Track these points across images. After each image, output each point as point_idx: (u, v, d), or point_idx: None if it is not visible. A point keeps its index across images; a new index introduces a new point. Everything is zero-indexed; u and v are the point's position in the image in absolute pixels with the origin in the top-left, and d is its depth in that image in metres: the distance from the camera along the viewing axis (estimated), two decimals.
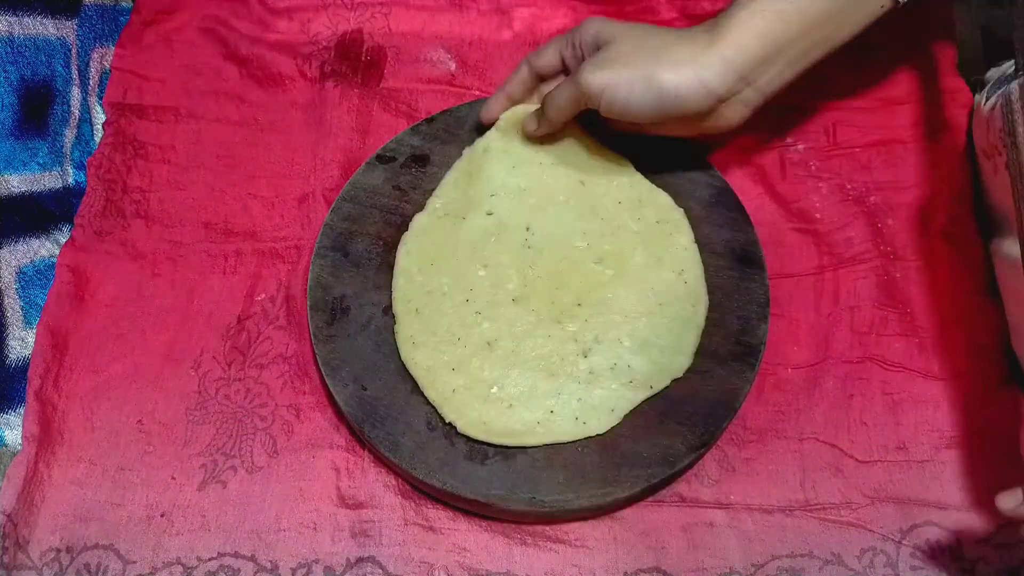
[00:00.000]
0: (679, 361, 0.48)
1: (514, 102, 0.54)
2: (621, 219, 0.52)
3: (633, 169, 0.54)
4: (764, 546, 0.46)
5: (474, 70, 0.63)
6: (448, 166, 0.55)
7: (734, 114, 0.47)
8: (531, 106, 0.55)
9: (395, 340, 0.49)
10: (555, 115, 0.50)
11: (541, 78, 0.53)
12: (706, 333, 0.49)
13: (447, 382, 0.47)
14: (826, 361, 0.51)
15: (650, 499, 0.48)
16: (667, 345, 0.48)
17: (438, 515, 0.48)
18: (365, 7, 0.64)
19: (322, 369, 0.48)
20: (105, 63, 0.62)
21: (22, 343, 0.51)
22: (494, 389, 0.47)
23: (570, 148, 0.55)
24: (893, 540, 0.46)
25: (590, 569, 0.46)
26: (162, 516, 0.47)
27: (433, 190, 0.54)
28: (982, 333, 0.51)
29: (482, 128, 0.56)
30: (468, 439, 0.46)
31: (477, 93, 0.62)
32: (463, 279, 0.51)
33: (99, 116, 0.61)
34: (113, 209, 0.57)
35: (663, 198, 0.53)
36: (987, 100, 0.51)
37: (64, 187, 0.56)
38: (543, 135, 0.52)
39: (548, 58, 0.51)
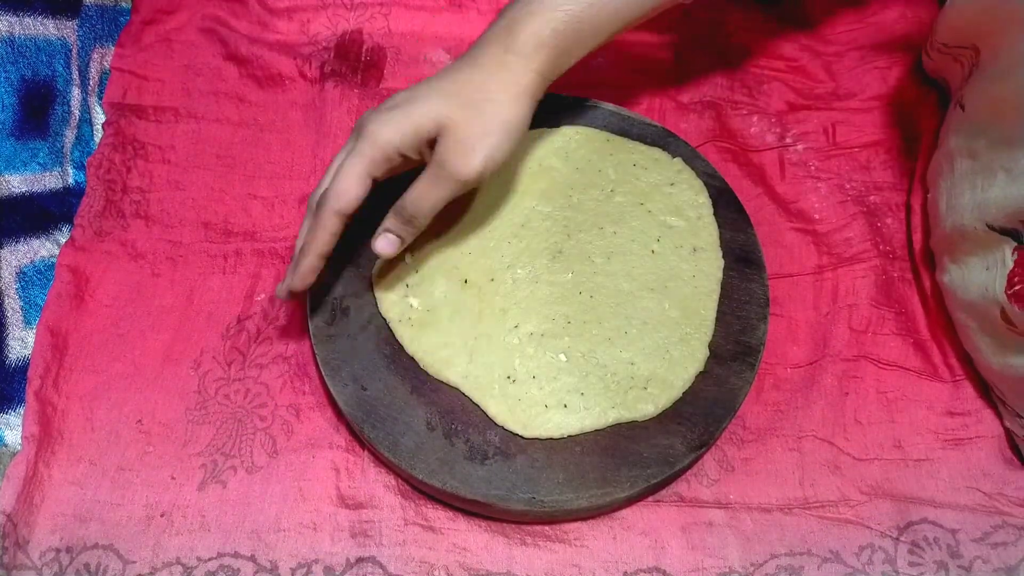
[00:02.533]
0: (690, 369, 0.48)
1: (327, 259, 0.46)
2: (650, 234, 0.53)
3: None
4: (763, 545, 0.47)
5: None
6: None
7: None
8: None
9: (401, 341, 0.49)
10: (423, 221, 0.45)
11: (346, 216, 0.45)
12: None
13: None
14: (824, 359, 0.52)
15: (650, 499, 0.48)
16: (679, 355, 0.48)
17: (438, 515, 0.48)
18: (365, 7, 0.64)
19: (322, 369, 0.48)
20: (105, 63, 0.62)
21: (22, 343, 0.51)
22: (512, 380, 0.48)
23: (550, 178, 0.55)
24: (891, 537, 0.46)
25: (590, 569, 0.46)
26: (162, 516, 0.47)
27: None
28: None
29: None
30: (467, 439, 0.46)
31: None
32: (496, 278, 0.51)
33: (99, 116, 0.61)
34: (113, 209, 0.57)
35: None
36: None
37: (64, 187, 0.56)
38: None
39: (356, 193, 0.43)
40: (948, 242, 0.50)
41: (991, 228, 0.45)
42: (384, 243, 0.45)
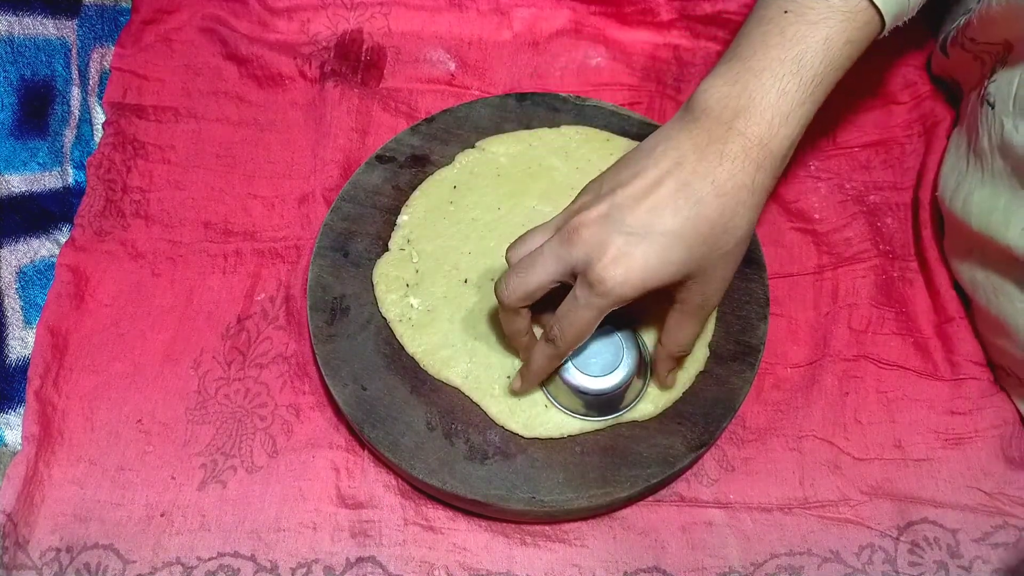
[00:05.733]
0: (690, 369, 0.48)
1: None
2: None
3: None
4: (763, 544, 0.47)
5: (474, 70, 0.63)
6: (448, 167, 0.55)
7: None
8: (507, 136, 0.55)
9: (402, 341, 0.49)
10: (687, 353, 0.45)
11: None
12: None
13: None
14: (824, 359, 0.52)
15: (650, 499, 0.48)
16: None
17: (438, 515, 0.48)
18: (365, 7, 0.64)
19: (322, 369, 0.48)
20: (105, 63, 0.62)
21: (22, 343, 0.51)
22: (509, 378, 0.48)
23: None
24: (891, 537, 0.46)
25: (590, 569, 0.46)
26: (162, 516, 0.47)
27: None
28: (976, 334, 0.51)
29: (481, 130, 0.57)
30: (467, 439, 0.46)
31: (477, 93, 0.62)
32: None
33: (99, 116, 0.61)
34: (113, 209, 0.57)
35: None
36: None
37: (64, 187, 0.56)
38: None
39: (586, 337, 0.42)
40: (978, 240, 0.49)
41: None
42: (672, 378, 0.46)
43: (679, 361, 0.46)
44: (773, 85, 0.39)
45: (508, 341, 0.46)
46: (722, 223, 0.38)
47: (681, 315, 0.42)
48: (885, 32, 0.42)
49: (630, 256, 0.38)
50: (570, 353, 0.43)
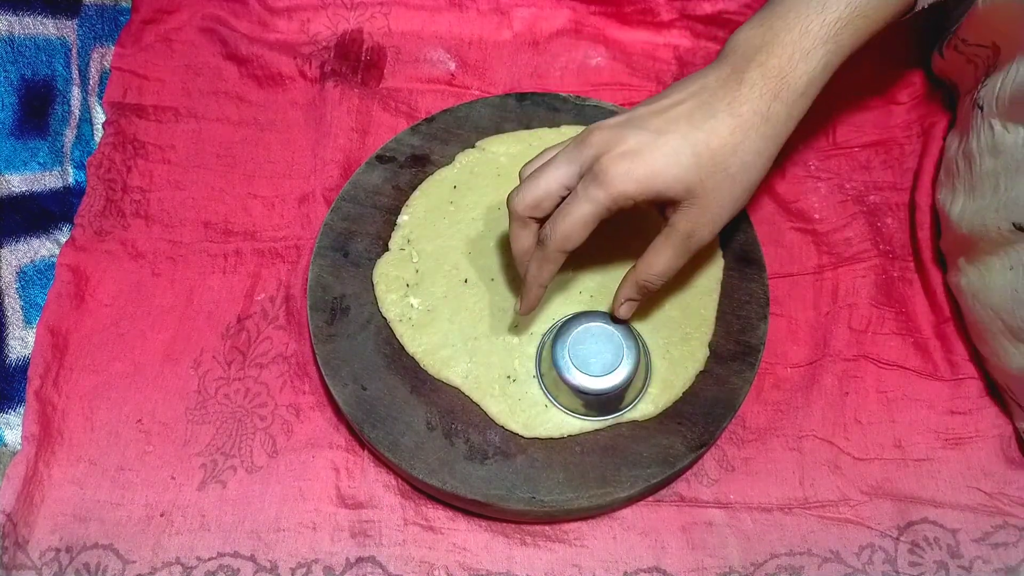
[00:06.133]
0: (690, 369, 0.48)
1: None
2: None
3: None
4: (763, 544, 0.47)
5: (474, 70, 0.63)
6: (448, 167, 0.55)
7: None
8: (507, 136, 0.55)
9: (403, 341, 0.49)
10: (659, 285, 0.44)
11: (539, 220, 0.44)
12: None
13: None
14: (824, 359, 0.52)
15: (650, 499, 0.48)
16: (679, 354, 0.48)
17: (438, 515, 0.48)
18: (365, 7, 0.64)
19: (322, 369, 0.48)
20: (105, 63, 0.62)
21: (22, 343, 0.51)
22: (512, 380, 0.48)
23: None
24: (891, 537, 0.46)
25: (590, 569, 0.46)
26: (162, 516, 0.47)
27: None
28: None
29: (481, 129, 0.57)
30: (467, 439, 0.46)
31: (477, 93, 0.62)
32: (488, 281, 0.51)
33: (99, 116, 0.61)
34: (113, 209, 0.57)
35: None
36: None
37: (64, 187, 0.56)
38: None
39: (584, 236, 0.41)
40: (965, 243, 0.49)
41: (1018, 228, 0.45)
42: (627, 309, 0.46)
43: (642, 293, 0.45)
44: (796, 24, 0.41)
45: (515, 263, 0.45)
46: (732, 143, 0.40)
47: (666, 240, 0.42)
48: (921, 4, 0.43)
49: (639, 152, 0.39)
50: (561, 261, 0.43)
